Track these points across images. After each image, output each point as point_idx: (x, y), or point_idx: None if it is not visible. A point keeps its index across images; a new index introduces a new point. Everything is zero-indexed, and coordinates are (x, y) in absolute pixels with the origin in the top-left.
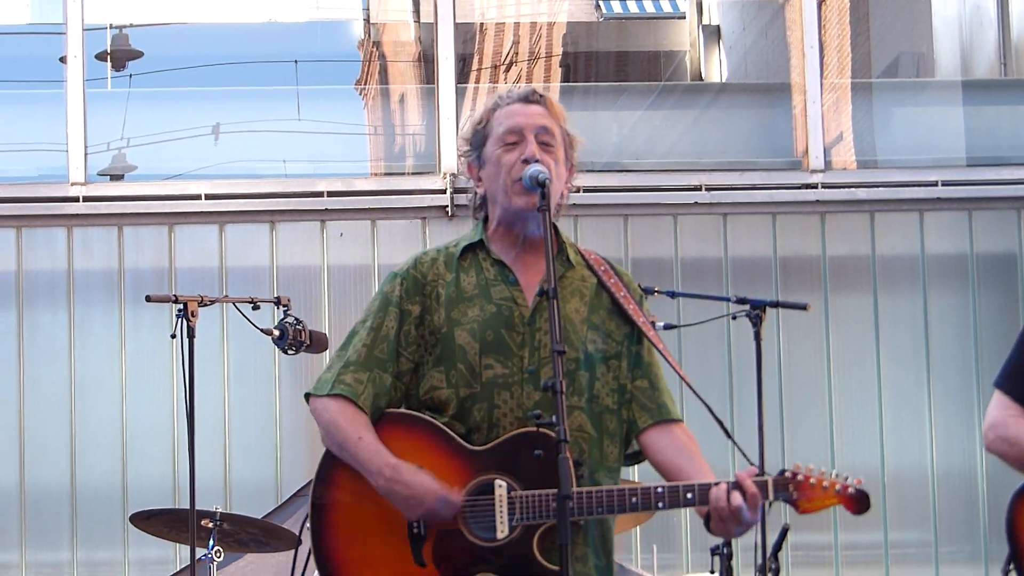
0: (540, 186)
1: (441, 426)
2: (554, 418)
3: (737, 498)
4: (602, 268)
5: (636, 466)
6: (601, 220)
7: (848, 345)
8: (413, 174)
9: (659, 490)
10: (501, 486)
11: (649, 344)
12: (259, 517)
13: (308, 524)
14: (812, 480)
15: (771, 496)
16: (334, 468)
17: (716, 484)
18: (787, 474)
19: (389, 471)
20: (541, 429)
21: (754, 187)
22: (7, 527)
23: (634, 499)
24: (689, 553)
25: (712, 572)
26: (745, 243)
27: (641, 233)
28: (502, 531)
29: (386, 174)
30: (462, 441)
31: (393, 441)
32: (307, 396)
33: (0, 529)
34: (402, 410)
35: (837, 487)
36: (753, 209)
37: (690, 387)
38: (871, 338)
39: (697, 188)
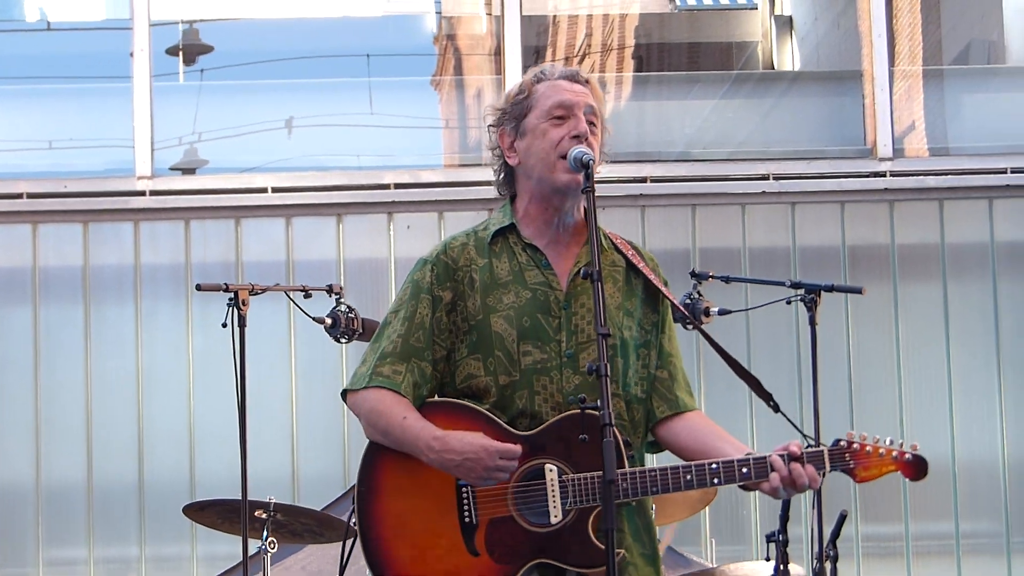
0: (584, 167)
1: (486, 412)
2: (599, 401)
3: (799, 470)
4: (630, 252)
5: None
6: (669, 210)
7: (917, 335)
8: (480, 165)
9: (713, 466)
10: (552, 470)
11: (670, 334)
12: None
13: (355, 521)
14: (868, 447)
15: (827, 467)
16: (379, 461)
17: (768, 456)
18: (842, 443)
19: (438, 443)
20: (587, 411)
21: (822, 176)
22: (75, 523)
23: (688, 476)
24: (759, 544)
25: (768, 559)
26: (813, 232)
27: (709, 223)
28: (555, 515)
29: (456, 165)
30: (508, 427)
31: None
32: (344, 393)
33: (68, 525)
34: (445, 399)
35: (894, 453)
36: (821, 198)
37: (732, 361)
38: (940, 328)
39: (764, 177)
